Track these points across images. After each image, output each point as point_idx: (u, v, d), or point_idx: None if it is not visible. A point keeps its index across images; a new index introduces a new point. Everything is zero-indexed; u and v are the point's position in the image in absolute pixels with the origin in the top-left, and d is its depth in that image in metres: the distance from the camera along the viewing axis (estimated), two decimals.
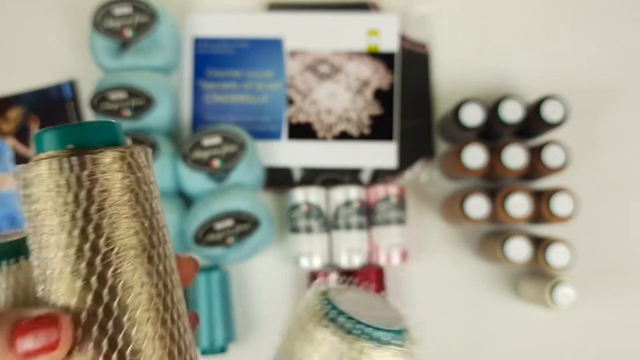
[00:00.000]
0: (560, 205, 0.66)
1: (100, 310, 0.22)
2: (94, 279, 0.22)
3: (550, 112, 0.66)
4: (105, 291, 0.22)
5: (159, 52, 0.73)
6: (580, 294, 0.66)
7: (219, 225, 0.68)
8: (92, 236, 0.22)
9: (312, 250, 0.71)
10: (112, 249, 0.22)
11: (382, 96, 0.77)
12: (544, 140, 0.69)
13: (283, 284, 0.76)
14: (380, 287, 0.72)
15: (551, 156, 0.66)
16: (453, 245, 0.76)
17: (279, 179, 0.77)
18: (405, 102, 0.78)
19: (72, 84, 0.78)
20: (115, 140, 0.23)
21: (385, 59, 0.78)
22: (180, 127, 0.78)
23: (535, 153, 0.67)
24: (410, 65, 0.78)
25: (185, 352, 0.24)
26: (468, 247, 0.76)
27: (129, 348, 0.22)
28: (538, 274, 0.73)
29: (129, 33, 0.72)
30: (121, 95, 0.69)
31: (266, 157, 0.77)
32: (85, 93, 0.78)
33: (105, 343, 0.22)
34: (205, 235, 0.69)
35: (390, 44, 0.78)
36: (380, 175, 0.77)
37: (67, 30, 0.80)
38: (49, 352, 0.21)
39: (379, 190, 0.72)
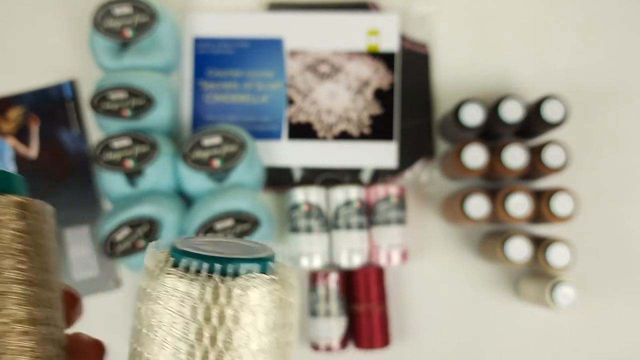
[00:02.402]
0: (560, 205, 0.66)
1: None
2: None
3: (550, 112, 0.66)
4: None
5: (159, 52, 0.73)
6: (580, 294, 0.66)
7: (219, 225, 0.68)
8: None
9: (312, 250, 0.71)
10: None
11: (382, 96, 0.77)
12: (544, 140, 0.69)
13: None
14: (380, 287, 0.72)
15: (551, 156, 0.66)
16: (453, 245, 0.76)
17: (279, 179, 0.77)
18: (405, 102, 0.78)
19: (72, 84, 0.78)
20: (11, 189, 0.23)
21: (385, 58, 0.78)
22: (180, 127, 0.78)
23: (535, 153, 0.67)
24: (410, 65, 0.78)
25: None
26: (468, 247, 0.76)
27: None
28: (538, 274, 0.73)
29: (129, 33, 0.72)
30: (121, 95, 0.69)
31: (266, 157, 0.77)
32: (86, 93, 0.78)
33: None
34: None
35: (390, 44, 0.78)
36: (380, 175, 0.77)
37: (67, 30, 0.80)
38: None
39: (379, 190, 0.72)
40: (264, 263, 0.22)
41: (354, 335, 0.72)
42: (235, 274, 0.21)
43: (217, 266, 0.20)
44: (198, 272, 0.20)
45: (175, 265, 0.21)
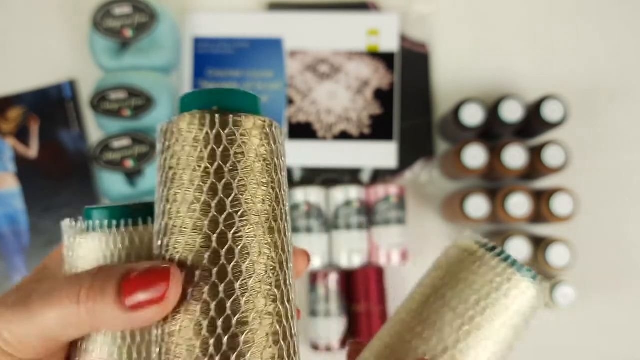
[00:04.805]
0: (560, 205, 0.66)
1: (215, 270, 0.21)
2: (214, 238, 0.22)
3: (550, 112, 0.66)
4: (223, 252, 0.22)
5: (159, 52, 0.73)
6: (580, 294, 0.66)
7: None
8: (220, 194, 0.22)
9: (312, 250, 0.71)
10: (237, 211, 0.22)
11: (382, 96, 0.77)
12: (544, 140, 0.69)
13: None
14: (380, 287, 0.72)
15: (551, 156, 0.66)
16: None
17: None
18: (405, 102, 0.78)
19: (72, 84, 0.78)
20: (256, 111, 0.24)
21: (385, 58, 0.78)
22: None
23: (535, 153, 0.67)
24: (410, 65, 0.78)
25: (291, 338, 0.23)
26: None
27: (236, 317, 0.21)
28: (538, 274, 0.73)
29: (129, 33, 0.72)
30: (121, 95, 0.69)
31: None
32: (85, 93, 0.78)
33: (213, 306, 0.21)
34: None
35: (390, 43, 0.78)
36: (380, 175, 0.77)
37: (67, 30, 0.80)
38: (155, 304, 0.21)
39: (379, 190, 0.72)
40: (532, 273, 0.28)
41: (354, 335, 0.72)
42: (520, 270, 0.27)
43: (513, 262, 0.27)
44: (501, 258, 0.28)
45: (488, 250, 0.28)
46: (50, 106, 0.78)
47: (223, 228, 0.22)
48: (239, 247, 0.22)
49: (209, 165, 0.22)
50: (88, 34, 0.74)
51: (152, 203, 0.25)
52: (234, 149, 0.22)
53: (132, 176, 0.70)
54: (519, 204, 0.66)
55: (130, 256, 0.24)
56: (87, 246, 0.24)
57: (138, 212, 0.25)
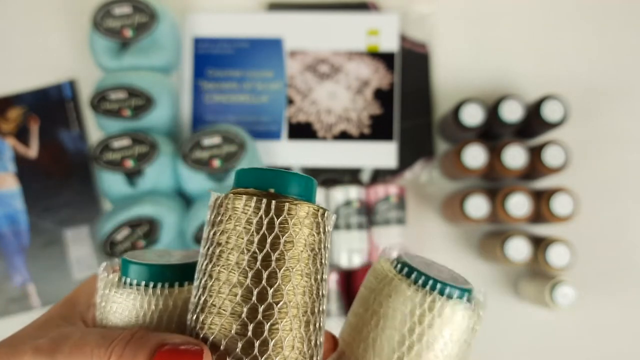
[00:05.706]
0: (560, 205, 0.66)
1: None
2: (251, 327, 0.21)
3: (550, 112, 0.66)
4: (257, 343, 0.21)
5: (159, 52, 0.73)
6: (580, 294, 0.66)
7: None
8: (264, 282, 0.21)
9: None
10: (278, 302, 0.22)
11: (382, 96, 0.77)
12: (544, 140, 0.69)
13: None
14: None
15: (551, 156, 0.66)
16: (453, 245, 0.76)
17: None
18: (405, 102, 0.78)
19: (72, 84, 0.78)
20: (309, 196, 0.23)
21: (385, 58, 0.78)
22: (180, 127, 0.78)
23: (535, 153, 0.67)
24: (410, 65, 0.78)
25: None
26: (468, 247, 0.76)
27: None
28: (538, 274, 0.73)
29: (129, 33, 0.72)
30: (121, 95, 0.69)
31: (266, 157, 0.77)
32: (85, 93, 0.78)
33: None
34: None
35: (390, 43, 0.78)
36: (380, 175, 0.77)
37: (67, 30, 0.80)
38: None
39: (379, 190, 0.72)
40: (465, 292, 0.26)
41: None
42: (442, 293, 0.26)
43: (433, 284, 0.26)
44: (418, 281, 0.26)
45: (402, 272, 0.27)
46: (50, 106, 0.78)
47: (261, 318, 0.21)
48: (274, 340, 0.22)
49: (257, 251, 0.22)
50: (88, 34, 0.74)
51: (189, 264, 0.25)
52: (285, 237, 0.22)
53: (132, 176, 0.70)
54: (519, 204, 0.66)
55: (162, 319, 0.24)
56: (120, 302, 0.24)
57: (175, 274, 0.25)
